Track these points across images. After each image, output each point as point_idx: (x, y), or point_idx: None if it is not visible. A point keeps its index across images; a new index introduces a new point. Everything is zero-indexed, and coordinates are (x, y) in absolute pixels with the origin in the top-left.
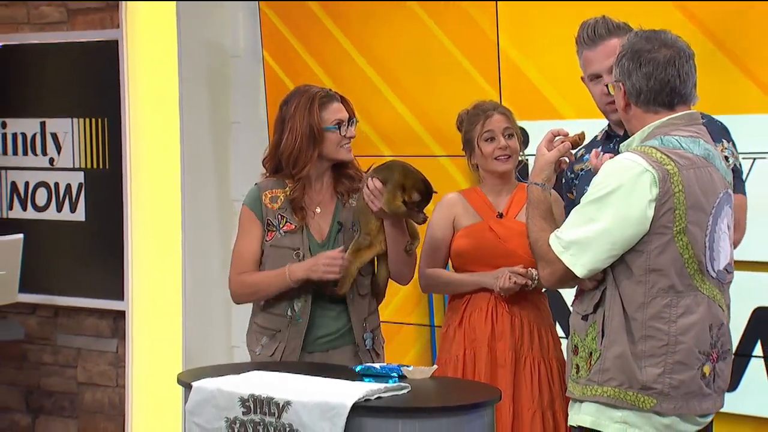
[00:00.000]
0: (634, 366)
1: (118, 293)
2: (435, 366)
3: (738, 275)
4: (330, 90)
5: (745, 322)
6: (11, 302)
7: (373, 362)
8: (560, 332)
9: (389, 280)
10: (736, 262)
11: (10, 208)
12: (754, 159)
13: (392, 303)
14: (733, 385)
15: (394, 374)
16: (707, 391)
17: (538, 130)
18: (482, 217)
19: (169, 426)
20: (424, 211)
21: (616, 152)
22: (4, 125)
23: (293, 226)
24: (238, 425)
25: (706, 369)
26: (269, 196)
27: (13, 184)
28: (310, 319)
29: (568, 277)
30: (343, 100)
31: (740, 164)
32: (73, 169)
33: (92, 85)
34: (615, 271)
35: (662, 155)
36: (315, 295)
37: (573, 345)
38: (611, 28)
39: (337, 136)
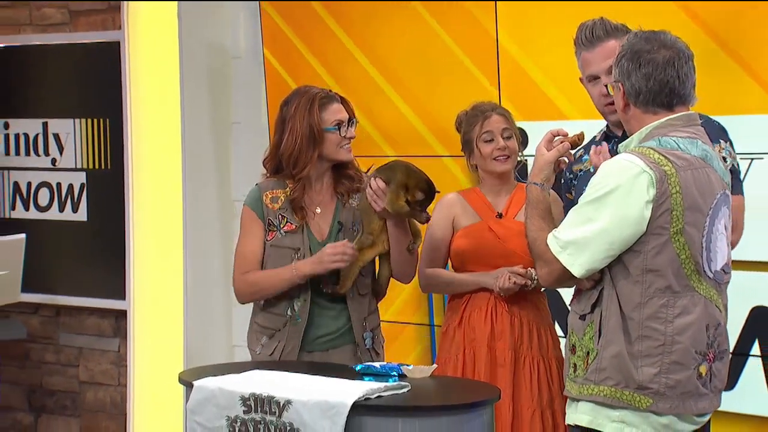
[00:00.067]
0: (631, 366)
1: (120, 293)
2: (435, 365)
3: (736, 275)
4: (330, 91)
5: (743, 322)
6: (14, 302)
7: (373, 361)
8: (559, 332)
9: (391, 279)
10: (733, 261)
11: (13, 208)
12: (752, 159)
13: (395, 303)
14: (731, 384)
15: (394, 373)
16: (704, 390)
17: (540, 131)
18: (481, 217)
19: (171, 425)
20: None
21: (615, 153)
22: (6, 126)
23: (294, 226)
24: (239, 424)
25: (703, 369)
26: (270, 196)
27: (16, 185)
28: (310, 319)
29: (566, 277)
30: (343, 101)
31: (738, 164)
32: (75, 170)
33: (94, 85)
34: (612, 271)
35: (660, 156)
36: (315, 294)
37: (571, 344)
38: (609, 30)
39: (337, 137)
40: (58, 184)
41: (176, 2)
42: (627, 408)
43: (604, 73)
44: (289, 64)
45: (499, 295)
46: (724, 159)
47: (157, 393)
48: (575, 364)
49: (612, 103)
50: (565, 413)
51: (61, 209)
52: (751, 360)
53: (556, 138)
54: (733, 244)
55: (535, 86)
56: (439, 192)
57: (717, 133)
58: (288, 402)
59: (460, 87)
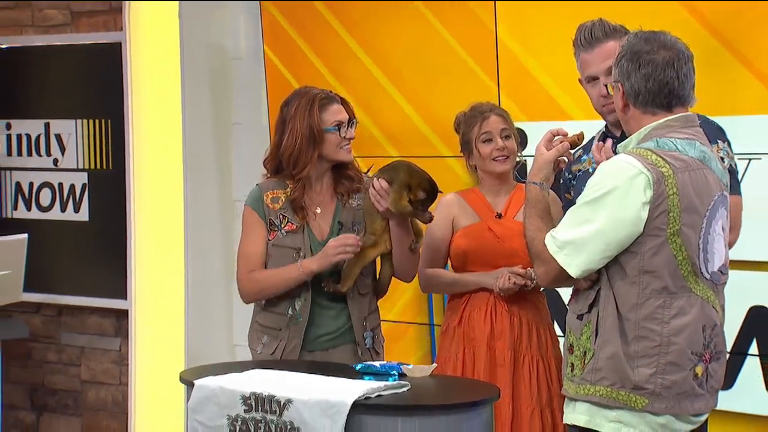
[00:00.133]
0: (627, 366)
1: (122, 292)
2: (434, 364)
3: (734, 275)
4: (330, 92)
5: (741, 321)
6: (16, 301)
7: (373, 361)
8: (559, 331)
9: (392, 278)
10: (732, 261)
11: (15, 208)
12: (750, 160)
13: (398, 304)
14: (729, 384)
15: (394, 372)
16: (699, 391)
17: (543, 131)
18: (481, 217)
19: (172, 424)
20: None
21: (614, 153)
22: (8, 126)
23: (295, 226)
24: (239, 423)
25: (699, 370)
26: (270, 196)
27: (18, 185)
28: (311, 318)
29: (563, 277)
30: (343, 102)
31: (736, 165)
32: (77, 170)
33: (96, 86)
34: (609, 271)
35: (657, 157)
36: (315, 294)
37: (569, 344)
38: (608, 31)
39: (337, 138)
40: (60, 185)
41: (177, 3)
42: (623, 408)
43: (603, 74)
44: (291, 63)
45: (499, 295)
46: (722, 159)
47: (159, 392)
48: (573, 364)
49: (611, 104)
50: (564, 412)
51: (63, 209)
52: (749, 359)
53: (556, 138)
54: (730, 244)
55: (537, 86)
56: (441, 192)
57: (715, 134)
58: (288, 401)
59: (462, 87)
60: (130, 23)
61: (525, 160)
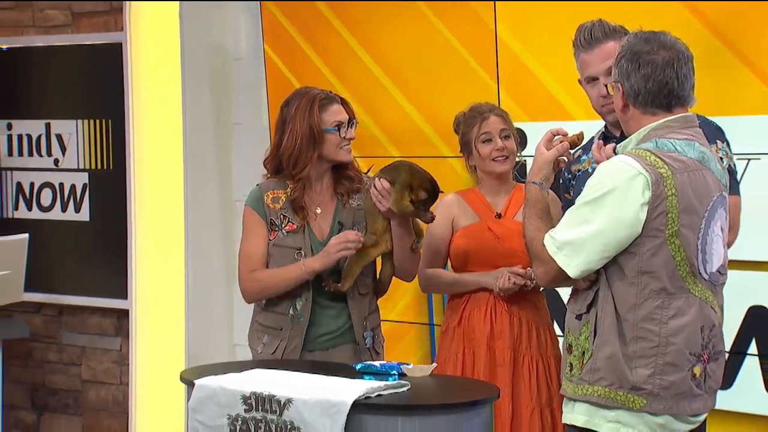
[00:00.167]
0: (625, 367)
1: (122, 292)
2: (434, 364)
3: (733, 274)
4: (330, 92)
5: (740, 321)
6: (17, 301)
7: (373, 360)
8: (558, 331)
9: (393, 278)
10: (730, 261)
11: (16, 208)
12: (749, 160)
13: (399, 304)
14: (728, 383)
15: (394, 372)
16: (698, 391)
17: (545, 130)
18: (481, 217)
19: (172, 423)
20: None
21: (614, 153)
22: (9, 127)
23: (295, 226)
24: (240, 422)
25: (697, 370)
26: (271, 196)
27: (19, 185)
28: (311, 318)
29: (562, 277)
30: (343, 102)
31: (734, 165)
32: (78, 170)
33: (96, 86)
34: (608, 272)
35: (656, 158)
36: (315, 293)
37: (567, 343)
38: (607, 32)
39: (337, 138)
40: (61, 185)
41: (178, 4)
42: (622, 408)
43: (603, 74)
44: (292, 63)
45: (499, 295)
46: (721, 159)
47: (159, 392)
48: (571, 364)
49: (610, 104)
50: (563, 412)
51: (64, 209)
52: (748, 359)
53: (556, 137)
54: (729, 244)
55: (539, 85)
56: (442, 192)
57: (714, 134)
58: (289, 400)
59: (464, 87)
60: (130, 23)
61: (525, 160)
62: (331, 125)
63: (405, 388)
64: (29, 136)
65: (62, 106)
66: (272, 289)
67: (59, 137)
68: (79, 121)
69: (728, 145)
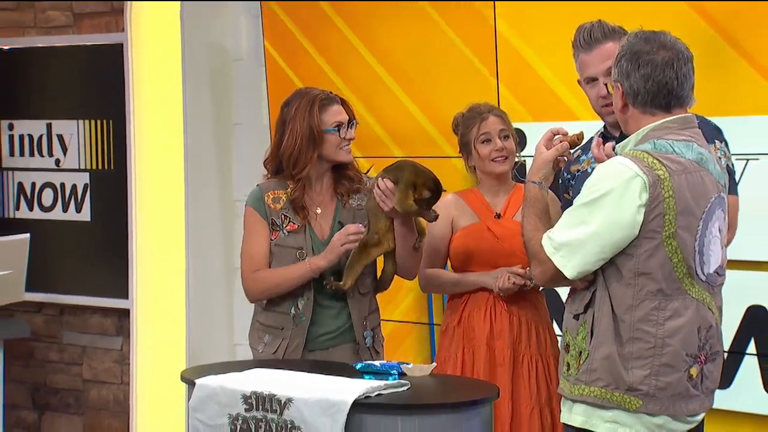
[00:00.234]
0: (621, 367)
1: (123, 292)
2: (434, 364)
3: (732, 274)
4: (330, 92)
5: (739, 321)
6: (18, 300)
7: (373, 360)
8: (558, 330)
9: (395, 275)
10: (729, 261)
11: (17, 208)
12: (747, 160)
13: (402, 305)
14: (727, 383)
15: (394, 372)
16: (694, 392)
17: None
18: (480, 217)
19: (173, 422)
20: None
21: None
22: (11, 127)
23: (296, 226)
24: (240, 422)
25: (693, 371)
26: (272, 196)
27: (20, 185)
28: (312, 317)
29: (559, 277)
30: (343, 103)
31: (733, 164)
32: (79, 170)
33: (97, 87)
34: (605, 273)
35: (654, 160)
36: (316, 293)
37: (565, 342)
38: (607, 32)
39: (337, 138)
40: (62, 185)
41: (179, 4)
42: (618, 408)
43: (602, 75)
44: (294, 62)
45: (499, 294)
46: (719, 159)
47: (160, 391)
48: (568, 363)
49: (609, 105)
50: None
51: (65, 209)
52: (746, 358)
53: (556, 137)
54: (726, 243)
55: (542, 85)
56: (445, 190)
57: (712, 134)
58: (289, 400)
59: (467, 86)
60: (131, 24)
61: (524, 160)
62: (331, 126)
63: (405, 388)
64: (30, 137)
65: (63, 107)
66: (276, 289)
67: (60, 137)
68: (80, 122)
69: (726, 145)
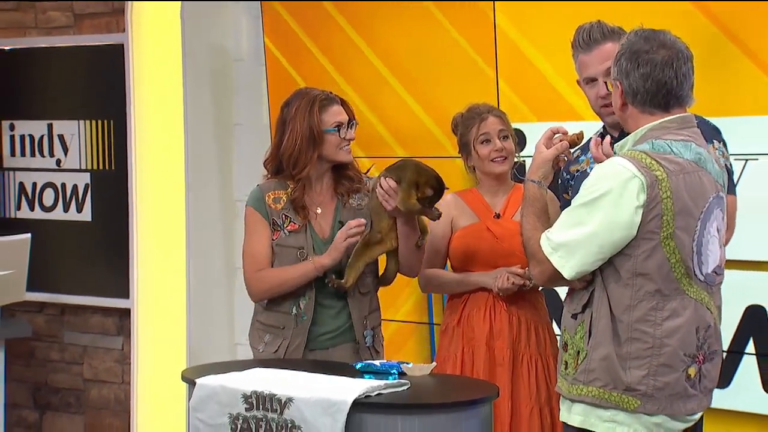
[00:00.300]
0: (619, 368)
1: (124, 292)
2: (434, 363)
3: (731, 274)
4: (330, 93)
5: (738, 320)
6: (19, 300)
7: (373, 359)
8: (557, 330)
9: (397, 273)
10: (728, 261)
11: (18, 208)
12: (746, 160)
13: (405, 306)
14: (726, 382)
15: (394, 371)
16: (692, 392)
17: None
18: (479, 217)
19: (174, 422)
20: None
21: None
22: (12, 127)
23: (297, 226)
24: (240, 421)
25: (692, 371)
26: (272, 197)
27: (21, 185)
28: (312, 317)
29: (557, 277)
30: (343, 103)
31: (731, 164)
32: (80, 170)
33: (98, 87)
34: (603, 273)
35: (652, 161)
36: (317, 292)
37: (563, 341)
38: (606, 33)
39: (337, 138)
40: (63, 185)
41: (179, 5)
42: (617, 408)
43: (602, 75)
44: (297, 61)
45: (498, 294)
46: (718, 159)
47: (161, 390)
48: (566, 362)
49: (608, 105)
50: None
51: (66, 209)
52: (745, 358)
53: (556, 136)
54: (725, 243)
55: (546, 84)
56: (448, 188)
57: (711, 134)
58: (289, 399)
59: (470, 86)
60: (132, 25)
61: (524, 161)
62: (331, 126)
63: (405, 387)
64: (32, 137)
65: (64, 107)
66: (280, 288)
67: (61, 138)
68: (81, 122)
69: (725, 145)
